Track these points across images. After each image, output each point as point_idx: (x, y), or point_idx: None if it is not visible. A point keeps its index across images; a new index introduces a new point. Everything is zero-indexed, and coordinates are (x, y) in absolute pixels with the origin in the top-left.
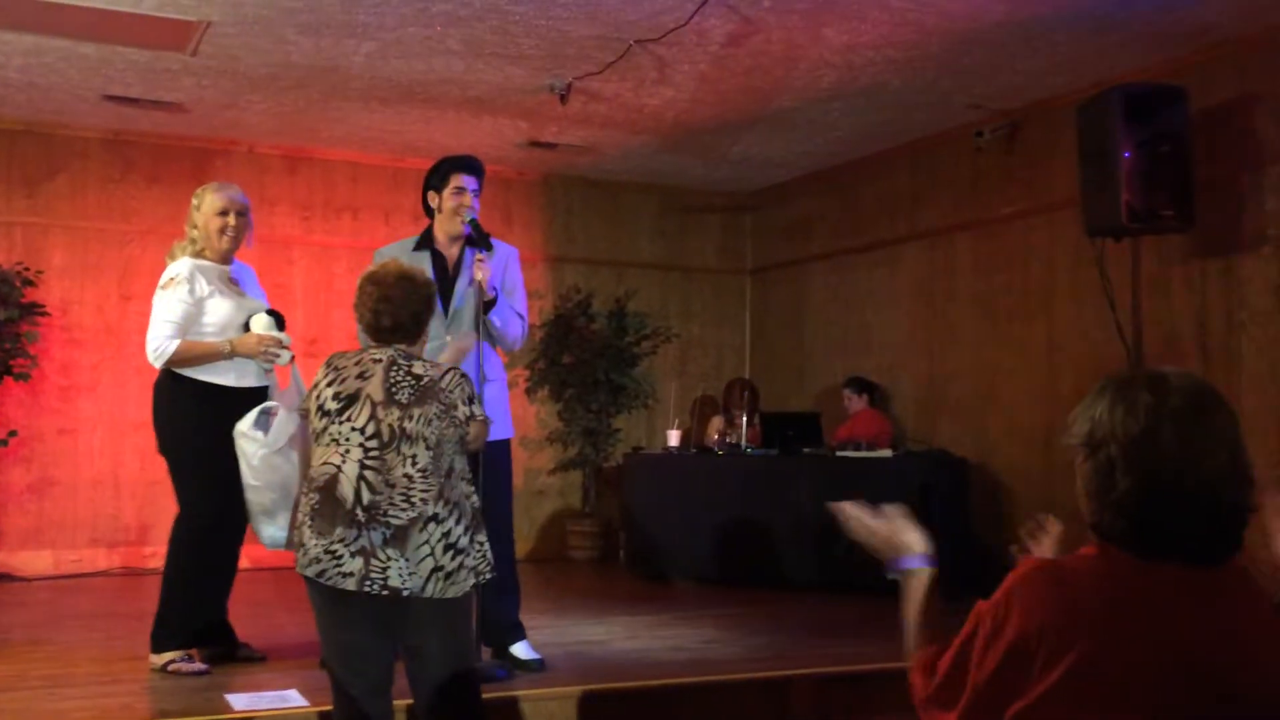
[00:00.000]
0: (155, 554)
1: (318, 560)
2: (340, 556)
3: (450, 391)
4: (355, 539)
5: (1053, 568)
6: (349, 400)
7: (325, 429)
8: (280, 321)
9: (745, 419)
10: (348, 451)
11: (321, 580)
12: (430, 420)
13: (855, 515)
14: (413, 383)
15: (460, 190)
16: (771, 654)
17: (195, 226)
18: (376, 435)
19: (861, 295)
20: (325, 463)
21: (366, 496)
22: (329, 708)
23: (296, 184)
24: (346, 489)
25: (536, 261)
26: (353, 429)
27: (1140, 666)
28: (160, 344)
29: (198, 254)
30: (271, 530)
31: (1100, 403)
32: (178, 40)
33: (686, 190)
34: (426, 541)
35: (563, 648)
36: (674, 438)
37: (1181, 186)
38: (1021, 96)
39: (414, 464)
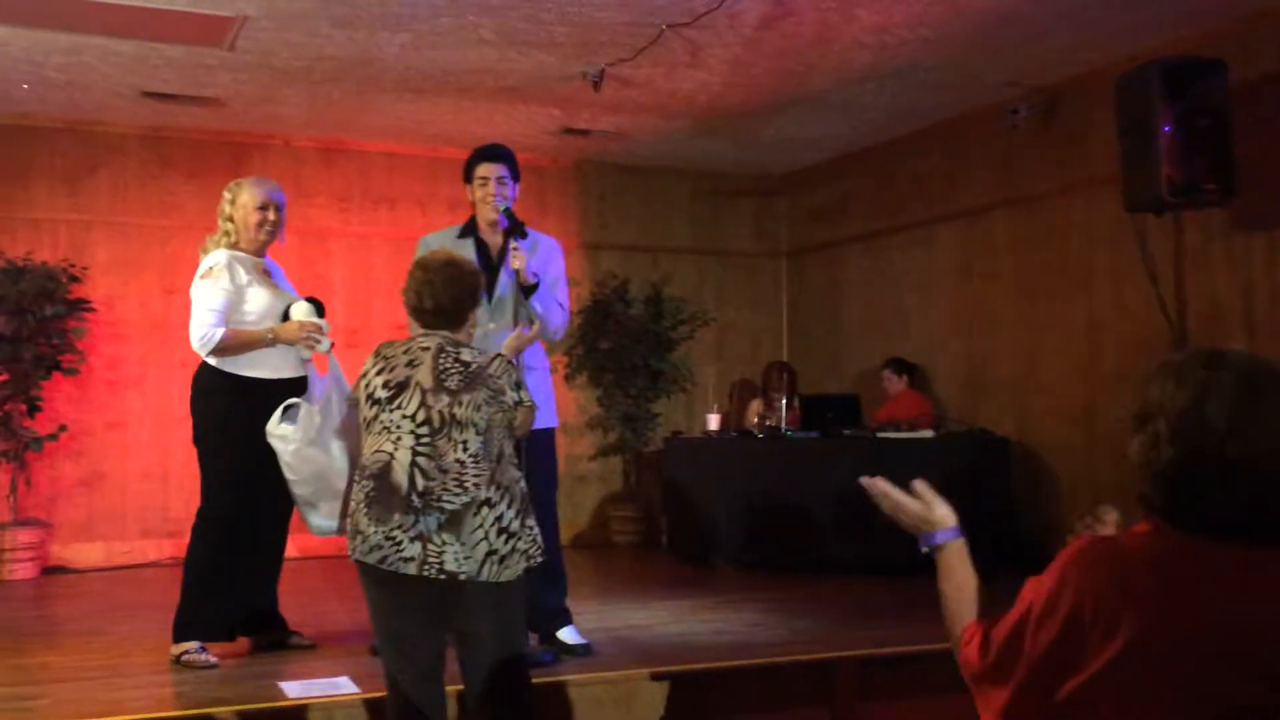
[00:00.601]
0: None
1: (379, 547)
2: (400, 542)
3: (498, 377)
4: (413, 524)
5: (1105, 544)
6: (399, 388)
7: (376, 417)
8: (320, 309)
9: (784, 401)
10: (399, 439)
11: (383, 566)
12: (479, 406)
13: (885, 491)
14: (461, 369)
15: (485, 181)
16: (815, 637)
17: (230, 219)
18: (427, 422)
19: (898, 276)
20: (378, 451)
21: (421, 482)
22: (380, 694)
23: (333, 176)
24: (400, 476)
25: (572, 249)
26: (404, 416)
27: (1191, 645)
28: (206, 332)
29: (232, 246)
30: (317, 519)
31: (1156, 378)
32: (214, 35)
33: (720, 174)
34: (480, 525)
35: (608, 632)
36: (713, 421)
37: (1222, 159)
38: (1056, 72)
39: (465, 449)
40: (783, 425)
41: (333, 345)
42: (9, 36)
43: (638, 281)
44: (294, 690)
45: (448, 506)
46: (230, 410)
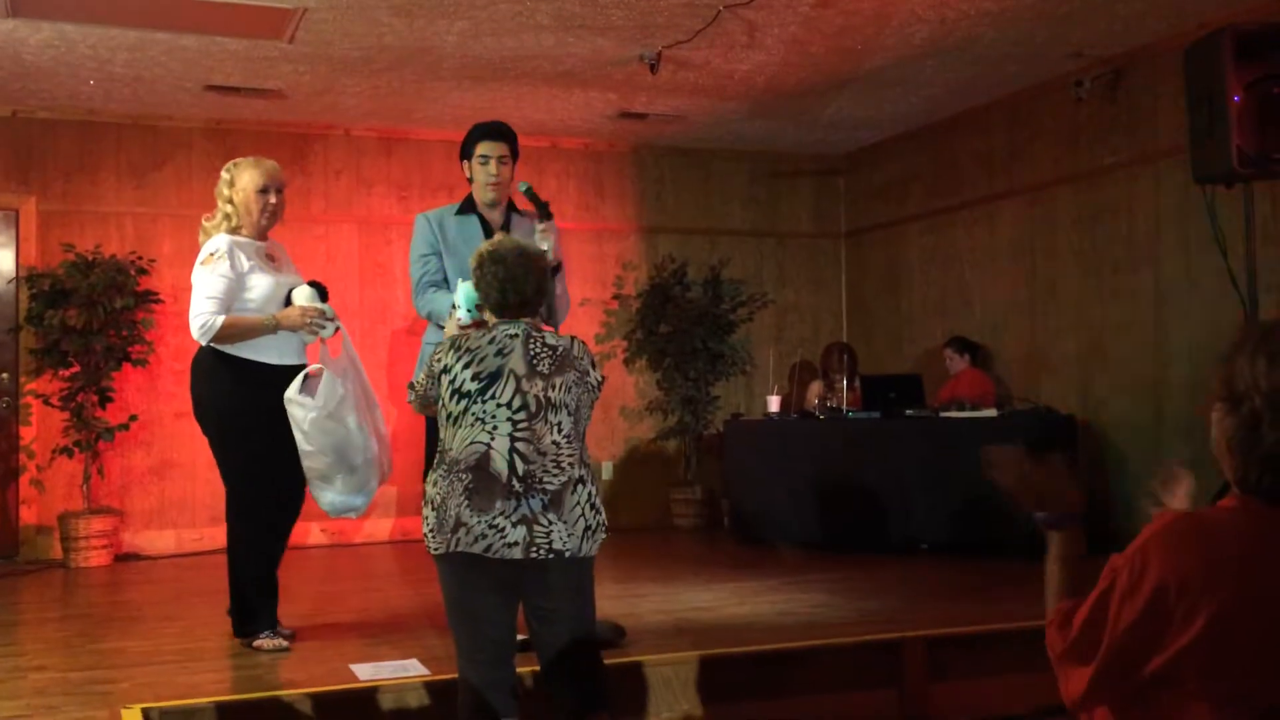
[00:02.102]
0: (326, 529)
1: (483, 536)
2: (503, 529)
3: (581, 359)
4: (515, 509)
5: (1191, 520)
6: (491, 378)
7: (466, 410)
8: (323, 293)
9: (845, 382)
10: (495, 428)
11: (489, 555)
12: (570, 388)
13: (1011, 459)
14: (549, 353)
15: (485, 159)
16: (882, 617)
17: (230, 202)
18: (524, 407)
19: (960, 255)
20: (473, 443)
21: (521, 467)
22: (449, 676)
23: (393, 165)
24: (500, 464)
25: (629, 233)
26: (499, 405)
27: (1267, 611)
28: (206, 320)
29: (233, 230)
30: (331, 495)
31: (1241, 354)
32: (275, 28)
33: (778, 155)
34: (578, 503)
35: (673, 615)
36: (774, 403)
37: None
38: (1122, 43)
39: (560, 431)
40: (844, 406)
41: (338, 330)
42: (76, 34)
43: (696, 264)
44: (365, 672)
45: (549, 487)
46: (241, 393)
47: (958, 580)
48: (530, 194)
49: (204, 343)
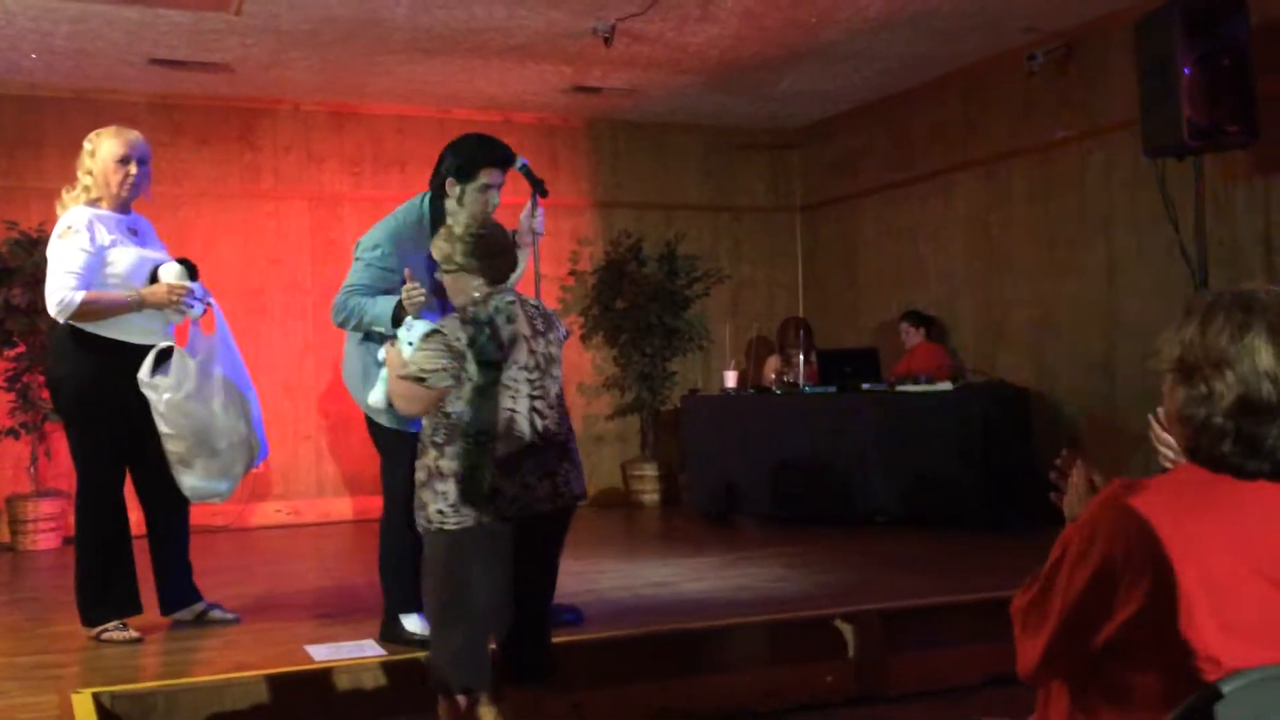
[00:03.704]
0: (281, 509)
1: (516, 499)
2: (532, 486)
3: (552, 314)
4: (537, 465)
5: (1138, 488)
6: (510, 344)
7: (495, 380)
8: (193, 271)
9: (802, 357)
10: (516, 392)
11: (521, 515)
12: (558, 343)
13: (1089, 480)
14: (538, 312)
15: (487, 189)
16: (838, 590)
17: (89, 173)
18: (537, 366)
19: (914, 228)
20: (503, 409)
21: (539, 424)
22: (403, 656)
23: (344, 140)
24: (523, 425)
25: (585, 208)
26: (519, 369)
27: (1217, 576)
28: (64, 295)
29: (92, 202)
30: (191, 479)
31: (1189, 325)
32: (221, 0)
33: (733, 129)
34: (575, 448)
35: (631, 591)
36: (731, 379)
37: (1244, 100)
38: (1075, 16)
39: (558, 383)
40: (800, 381)
41: (206, 310)
42: (15, 6)
43: (652, 239)
44: (321, 654)
45: (559, 438)
46: (94, 376)
47: (913, 553)
48: (527, 171)
49: (62, 320)
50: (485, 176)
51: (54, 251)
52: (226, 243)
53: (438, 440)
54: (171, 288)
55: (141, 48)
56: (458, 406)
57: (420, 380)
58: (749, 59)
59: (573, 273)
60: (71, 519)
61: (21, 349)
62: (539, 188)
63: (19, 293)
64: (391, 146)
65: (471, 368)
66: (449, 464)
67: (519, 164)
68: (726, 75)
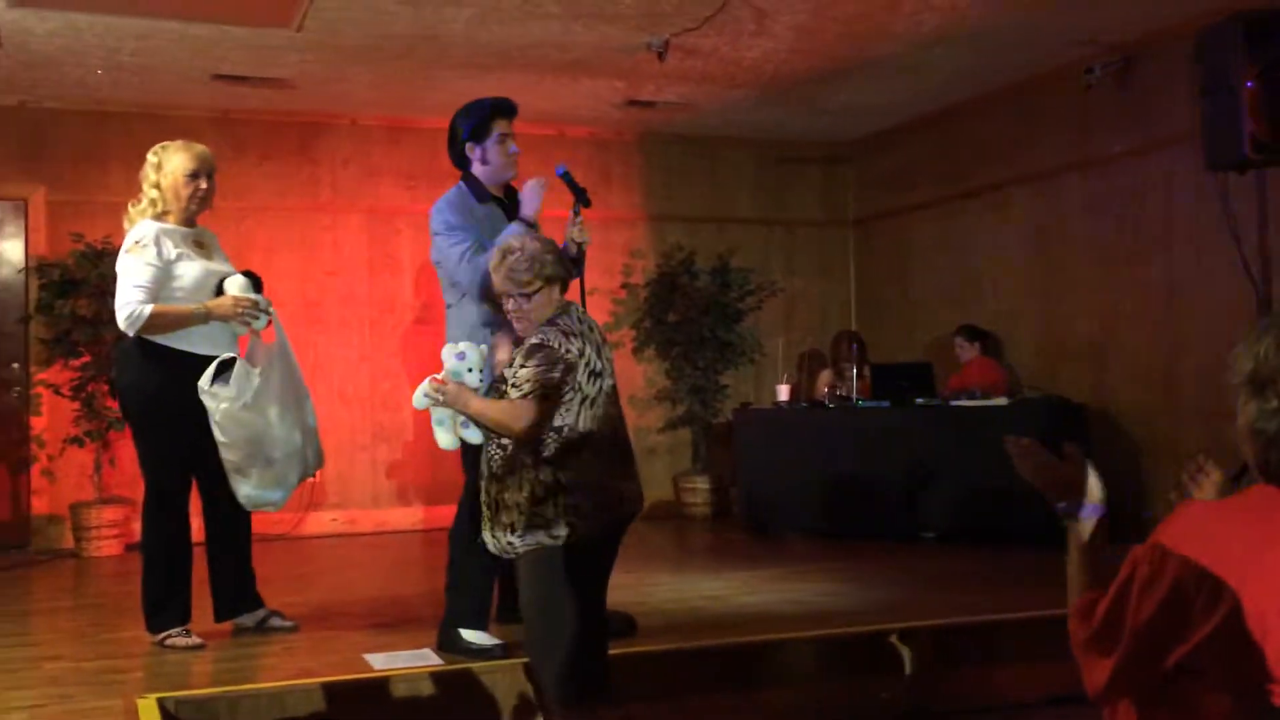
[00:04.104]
0: (337, 518)
1: (634, 500)
2: (633, 490)
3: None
4: (630, 468)
5: (1211, 509)
6: (607, 352)
7: (601, 389)
8: (257, 283)
9: (855, 371)
10: (608, 398)
11: (633, 518)
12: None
13: (1032, 452)
14: (593, 323)
15: (504, 138)
16: (891, 606)
17: (156, 187)
18: (612, 374)
19: (969, 242)
20: (607, 416)
21: (623, 428)
22: (461, 665)
23: (400, 154)
24: (621, 430)
25: (637, 221)
26: (609, 377)
27: None
28: (133, 309)
29: (159, 216)
30: (246, 488)
31: (1264, 340)
32: (283, 16)
33: (785, 143)
34: None
35: (683, 603)
36: (783, 392)
37: None
38: (1134, 30)
39: (617, 389)
40: (853, 395)
41: (270, 322)
42: (83, 23)
43: (704, 253)
44: (379, 662)
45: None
46: (162, 387)
47: (966, 569)
48: (568, 179)
49: (131, 334)
50: (498, 128)
51: (123, 266)
52: (285, 255)
53: (548, 455)
54: (237, 300)
55: (205, 63)
56: (567, 419)
57: (545, 397)
58: (803, 73)
59: (625, 285)
60: (135, 526)
61: (87, 359)
62: (582, 197)
63: (85, 304)
64: (446, 160)
65: (581, 378)
66: (570, 476)
67: (559, 171)
68: (780, 89)
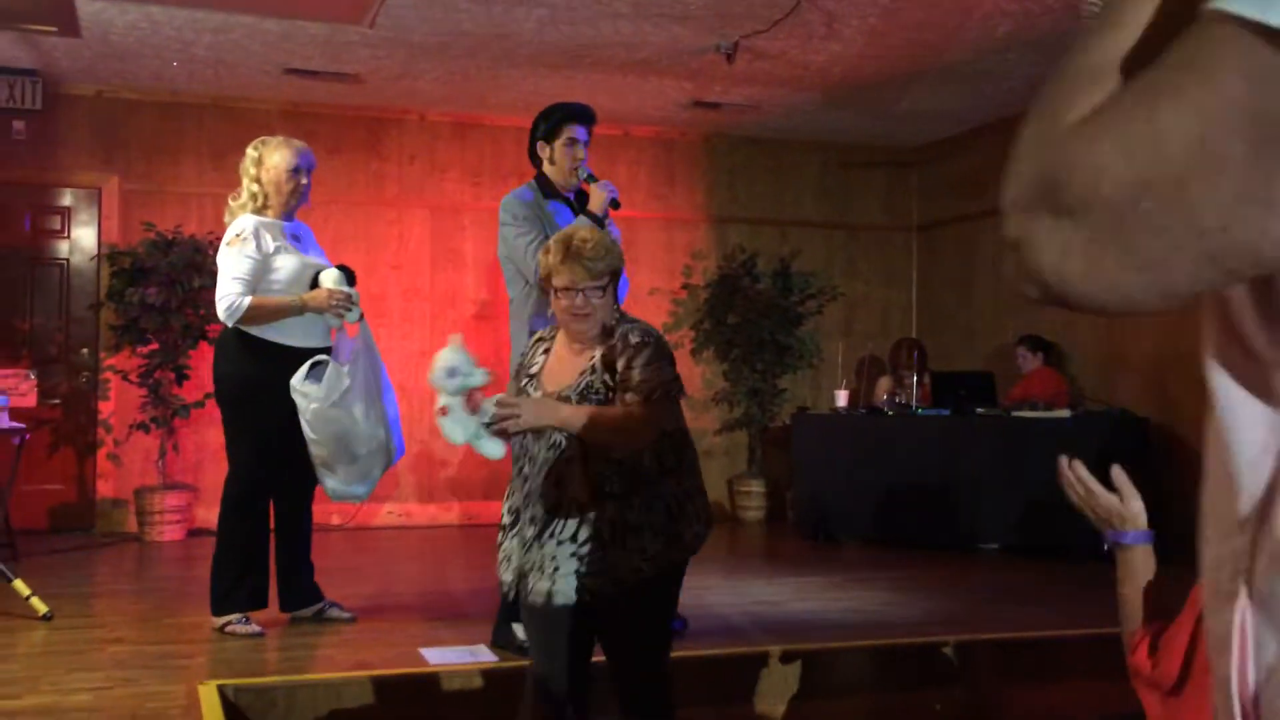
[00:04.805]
0: (393, 511)
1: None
2: None
3: None
4: None
5: None
6: None
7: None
8: (351, 277)
9: (915, 378)
10: None
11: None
12: None
13: (1081, 479)
14: None
15: (573, 142)
16: (949, 617)
17: (256, 181)
18: None
19: None
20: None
21: None
22: (515, 664)
23: (466, 150)
24: None
25: (700, 222)
26: None
27: None
28: (233, 300)
29: (259, 210)
30: (332, 483)
31: None
32: (357, 13)
33: (851, 146)
34: None
35: (737, 608)
36: (842, 398)
37: None
38: None
39: None
40: (913, 403)
41: (363, 315)
42: (162, 16)
43: (766, 255)
44: (435, 657)
45: None
46: (256, 376)
47: (1023, 582)
48: (593, 179)
49: (230, 324)
50: (568, 131)
51: (223, 259)
52: (352, 248)
53: (670, 464)
54: (331, 293)
55: (278, 57)
56: (678, 420)
57: (673, 397)
58: (871, 77)
59: (685, 286)
60: (197, 512)
61: (155, 346)
62: (612, 203)
63: (154, 292)
64: (512, 157)
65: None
66: (692, 481)
67: (583, 174)
68: (847, 93)
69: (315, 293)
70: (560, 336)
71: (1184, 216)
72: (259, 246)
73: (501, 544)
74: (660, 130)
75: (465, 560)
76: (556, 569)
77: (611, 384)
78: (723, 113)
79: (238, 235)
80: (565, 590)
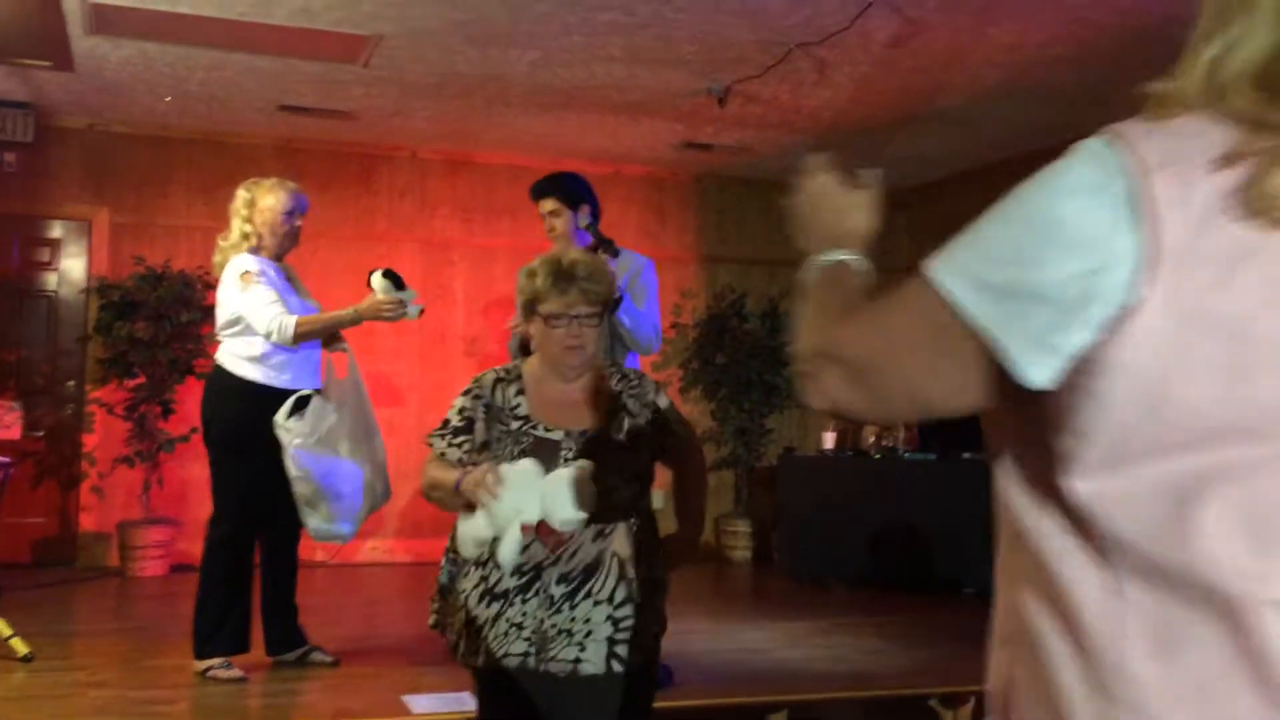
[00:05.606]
0: (376, 547)
1: None
2: None
3: None
4: None
5: None
6: None
7: None
8: (398, 280)
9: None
10: None
11: None
12: None
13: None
14: None
15: (544, 216)
16: (937, 666)
17: (248, 221)
18: None
19: None
20: None
21: None
22: None
23: (458, 187)
24: None
25: (690, 261)
26: None
27: None
28: (278, 322)
29: (253, 250)
30: (315, 521)
31: None
32: (351, 53)
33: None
34: None
35: (721, 655)
36: (830, 440)
37: None
38: None
39: None
40: (899, 446)
41: (423, 310)
42: (156, 52)
43: (755, 295)
44: (420, 705)
45: None
46: (245, 419)
47: None
48: (593, 230)
49: (284, 342)
50: (539, 209)
51: (243, 296)
52: (341, 283)
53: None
54: (380, 301)
55: (271, 94)
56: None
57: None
58: (861, 122)
59: (675, 325)
60: (180, 546)
61: (141, 380)
62: (605, 247)
63: (142, 326)
64: (504, 195)
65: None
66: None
67: (584, 222)
68: (837, 137)
69: (370, 301)
70: (530, 371)
71: (892, 377)
72: (270, 280)
73: (500, 614)
74: (651, 170)
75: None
76: (589, 634)
77: (634, 417)
78: (714, 154)
79: (247, 271)
80: (595, 659)
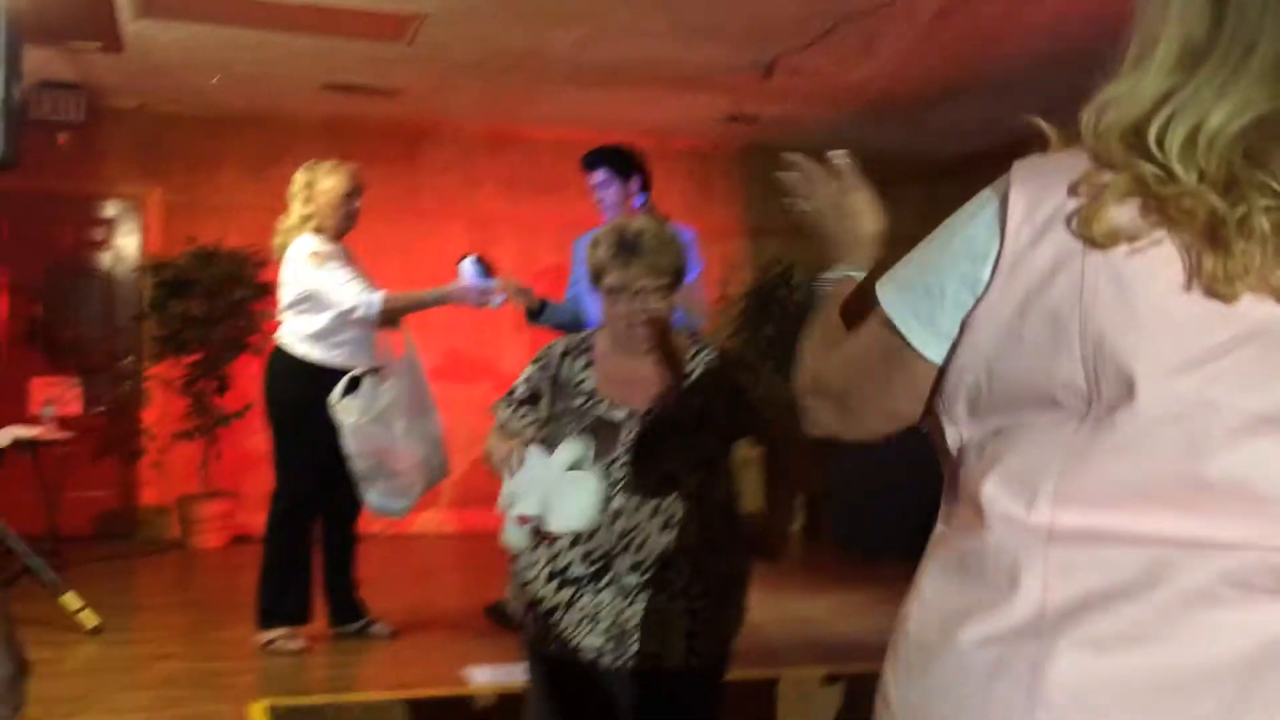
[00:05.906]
0: (435, 519)
1: None
2: None
3: None
4: None
5: None
6: None
7: None
8: (486, 267)
9: None
10: None
11: None
12: None
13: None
14: None
15: (594, 187)
16: None
17: (309, 202)
18: None
19: None
20: None
21: None
22: None
23: (501, 163)
24: None
25: (736, 234)
26: None
27: None
28: (365, 297)
29: (314, 232)
30: (372, 495)
31: None
32: (395, 31)
33: (887, 160)
34: None
35: (782, 625)
36: None
37: None
38: None
39: None
40: None
41: (505, 300)
42: (204, 33)
43: (803, 266)
44: (481, 676)
45: None
46: (304, 399)
47: None
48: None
49: (367, 316)
50: (590, 178)
51: (318, 276)
52: (388, 260)
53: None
54: (468, 289)
55: (317, 74)
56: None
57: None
58: (908, 93)
59: (721, 297)
60: (239, 518)
61: (197, 357)
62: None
63: (196, 304)
64: (548, 169)
65: None
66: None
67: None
68: (883, 108)
69: (456, 284)
70: (600, 344)
71: (866, 400)
72: (339, 260)
73: (572, 602)
74: (696, 142)
75: (504, 572)
76: (668, 627)
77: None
78: (759, 126)
79: (315, 253)
80: (677, 653)
